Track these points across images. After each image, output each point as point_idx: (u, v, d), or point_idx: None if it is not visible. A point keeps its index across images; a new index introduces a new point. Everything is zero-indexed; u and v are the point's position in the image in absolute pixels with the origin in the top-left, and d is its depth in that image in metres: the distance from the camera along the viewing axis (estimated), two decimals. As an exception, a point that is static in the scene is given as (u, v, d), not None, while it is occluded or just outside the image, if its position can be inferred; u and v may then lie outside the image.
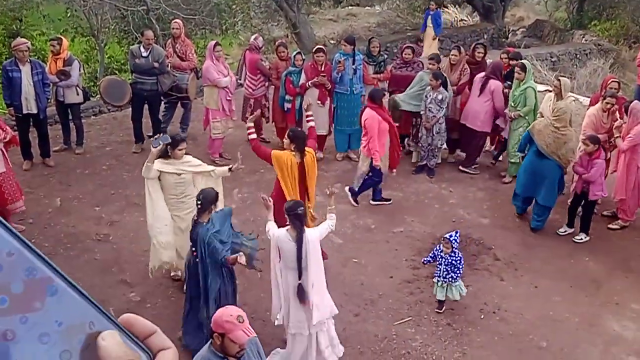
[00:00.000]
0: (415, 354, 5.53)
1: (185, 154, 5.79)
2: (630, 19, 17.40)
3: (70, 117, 8.89)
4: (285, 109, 8.81)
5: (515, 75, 8.09)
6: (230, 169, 6.02)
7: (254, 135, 6.41)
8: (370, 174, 7.61)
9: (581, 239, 7.28)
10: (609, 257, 7.06)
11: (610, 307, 6.26)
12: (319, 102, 8.70)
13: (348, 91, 8.69)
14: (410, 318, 5.95)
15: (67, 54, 8.57)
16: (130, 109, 9.14)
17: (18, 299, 0.59)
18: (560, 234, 7.37)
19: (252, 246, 5.27)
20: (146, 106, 8.96)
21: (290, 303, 4.98)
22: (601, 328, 5.97)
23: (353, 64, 8.60)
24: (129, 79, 9.29)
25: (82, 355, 0.61)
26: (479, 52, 8.82)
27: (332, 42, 16.42)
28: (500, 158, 9.17)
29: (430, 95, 8.20)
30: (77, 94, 8.64)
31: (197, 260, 5.09)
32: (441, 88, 8.16)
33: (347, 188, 7.85)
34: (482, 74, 8.44)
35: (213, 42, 8.81)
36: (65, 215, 7.48)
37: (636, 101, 7.47)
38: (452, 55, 8.73)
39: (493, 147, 9.34)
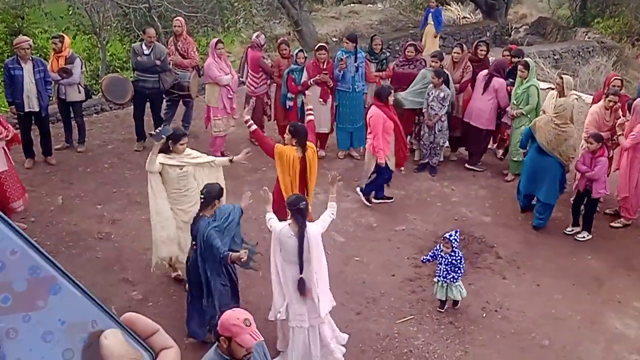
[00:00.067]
0: (417, 353, 5.53)
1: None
2: (634, 17, 17.34)
3: (72, 115, 8.90)
4: (287, 107, 8.80)
5: (519, 73, 8.08)
6: (230, 160, 6.04)
7: (255, 126, 6.40)
8: (378, 171, 7.60)
9: (583, 237, 7.27)
10: (611, 255, 7.05)
11: (613, 305, 6.26)
12: (321, 100, 8.69)
13: (350, 89, 8.68)
14: (412, 316, 5.95)
15: (69, 52, 8.57)
16: (132, 107, 9.14)
17: (21, 298, 0.59)
18: (568, 233, 7.36)
19: (251, 248, 5.28)
20: (148, 104, 8.96)
21: (291, 296, 4.99)
22: (603, 326, 5.97)
23: (355, 61, 8.60)
24: (131, 77, 9.29)
25: (84, 354, 0.61)
26: (481, 50, 8.81)
27: (334, 39, 16.40)
28: (500, 155, 9.16)
29: (432, 93, 8.20)
30: (79, 92, 8.65)
31: (198, 254, 5.11)
32: (443, 86, 8.15)
33: (357, 189, 7.81)
34: (485, 71, 8.43)
35: (215, 40, 8.80)
36: (67, 214, 7.49)
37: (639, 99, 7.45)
38: (454, 52, 8.72)
39: (495, 145, 9.32)
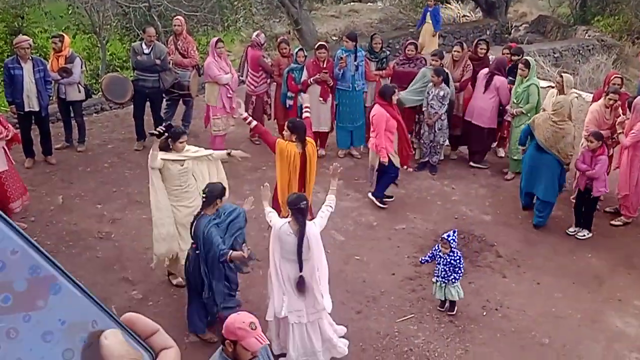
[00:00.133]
0: (417, 351, 5.54)
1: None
2: (634, 15, 17.33)
3: (72, 114, 8.89)
4: (287, 106, 8.80)
5: (519, 71, 8.07)
6: (228, 153, 6.05)
7: (255, 122, 6.39)
8: (384, 171, 7.60)
9: (583, 235, 7.28)
10: (612, 253, 7.05)
11: (613, 304, 6.26)
12: (321, 98, 8.69)
13: (350, 88, 8.67)
14: (412, 315, 5.96)
15: (69, 51, 8.56)
16: (132, 106, 9.14)
17: (21, 297, 0.59)
18: (570, 233, 7.35)
19: (251, 253, 5.28)
20: (148, 103, 8.96)
21: (289, 293, 4.99)
22: (604, 324, 5.97)
23: (355, 60, 8.59)
24: (131, 76, 9.28)
25: (84, 354, 0.61)
26: (481, 48, 8.81)
27: (334, 38, 16.39)
28: (503, 154, 9.16)
29: (432, 92, 8.19)
30: (79, 92, 8.64)
31: (197, 252, 5.11)
32: (443, 84, 8.15)
33: (369, 194, 7.79)
34: (486, 70, 8.42)
35: (215, 39, 8.80)
36: (67, 213, 7.49)
37: None
38: (454, 51, 8.71)
39: (496, 144, 9.32)
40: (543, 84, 9.02)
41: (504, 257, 6.93)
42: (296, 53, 8.74)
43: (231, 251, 4.89)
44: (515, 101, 8.15)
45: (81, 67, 8.73)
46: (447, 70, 8.34)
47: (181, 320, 5.70)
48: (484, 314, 6.03)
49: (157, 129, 5.66)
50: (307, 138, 6.04)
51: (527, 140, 7.49)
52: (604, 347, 5.69)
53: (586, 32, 16.80)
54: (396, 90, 7.50)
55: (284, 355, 5.23)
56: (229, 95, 8.61)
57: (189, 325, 5.52)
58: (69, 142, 9.10)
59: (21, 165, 8.14)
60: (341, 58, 8.50)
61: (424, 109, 8.35)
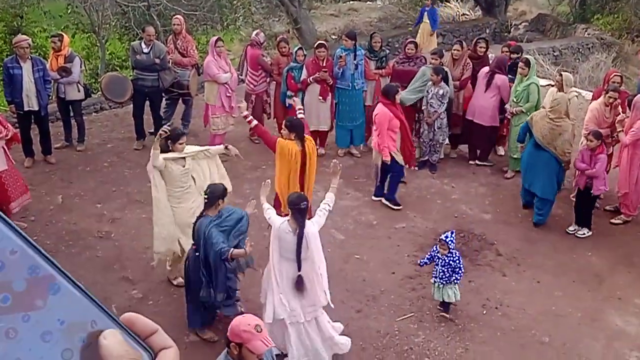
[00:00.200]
0: (417, 350, 5.54)
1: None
2: (633, 13, 17.33)
3: (72, 114, 8.89)
4: (287, 105, 8.79)
5: (519, 70, 8.07)
6: (226, 147, 6.06)
7: (256, 121, 6.39)
8: (391, 171, 7.60)
9: (583, 233, 7.27)
10: (612, 252, 7.06)
11: (613, 302, 6.26)
12: (321, 97, 8.69)
13: (350, 87, 8.67)
14: (412, 314, 5.96)
15: (68, 51, 8.56)
16: (132, 105, 9.14)
17: (20, 297, 0.59)
18: (570, 232, 7.35)
19: (251, 257, 5.28)
20: (147, 103, 8.96)
21: (286, 293, 5.00)
22: (604, 323, 5.97)
23: (354, 59, 8.59)
24: (130, 76, 9.28)
25: (83, 354, 0.61)
26: (480, 47, 8.80)
27: (333, 37, 16.39)
28: (503, 153, 9.16)
29: (431, 91, 8.19)
30: (78, 91, 8.64)
31: (197, 254, 5.11)
32: (442, 83, 8.15)
33: (383, 200, 7.77)
34: (487, 69, 8.42)
35: (215, 38, 8.80)
36: (67, 213, 7.49)
37: None
38: (454, 50, 8.71)
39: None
40: (543, 82, 9.03)
41: (504, 256, 6.93)
42: (295, 52, 8.74)
43: (232, 249, 4.89)
44: (515, 100, 8.15)
45: (80, 67, 8.73)
46: (446, 69, 8.33)
47: (181, 319, 5.70)
48: (484, 312, 6.04)
49: (163, 129, 5.63)
50: (305, 136, 6.06)
51: (525, 138, 7.50)
52: (604, 345, 5.69)
53: (586, 31, 16.80)
54: (399, 90, 7.49)
55: (281, 355, 5.22)
56: (228, 94, 8.61)
57: (188, 324, 5.53)
58: (68, 141, 9.10)
59: (21, 165, 8.13)
60: (340, 57, 8.50)
61: (423, 107, 8.35)
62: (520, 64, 8.09)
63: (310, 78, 8.56)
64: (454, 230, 6.02)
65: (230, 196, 5.65)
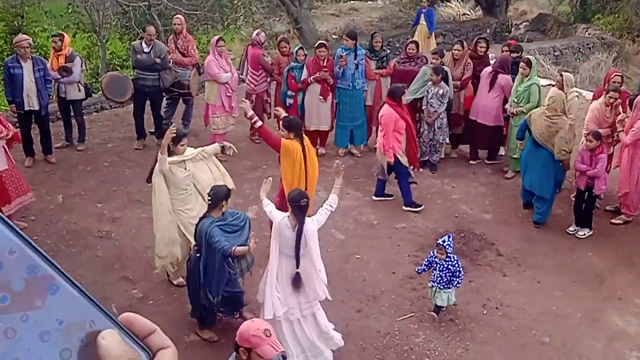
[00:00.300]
0: (417, 350, 5.54)
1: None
2: (634, 13, 17.31)
3: (72, 113, 8.90)
4: (287, 105, 8.79)
5: (520, 70, 8.06)
6: (222, 147, 6.08)
7: (260, 122, 6.38)
8: (398, 174, 7.59)
9: (584, 234, 7.27)
10: (612, 252, 7.05)
11: (613, 302, 6.26)
12: (321, 97, 8.69)
13: (350, 86, 8.67)
14: (412, 314, 5.95)
15: (69, 50, 8.57)
16: (132, 105, 9.14)
17: (19, 297, 0.59)
18: (570, 232, 7.34)
19: (252, 259, 5.27)
20: (148, 102, 8.96)
21: (284, 289, 5.01)
22: (604, 323, 5.96)
23: (355, 59, 8.59)
24: (131, 75, 9.28)
25: (81, 354, 0.61)
26: (481, 47, 8.80)
27: (334, 37, 16.39)
28: (503, 153, 9.16)
29: (431, 90, 8.19)
30: (79, 91, 8.64)
31: (198, 255, 5.10)
32: (442, 83, 8.15)
33: (403, 207, 7.73)
34: (490, 69, 8.43)
35: (216, 37, 8.81)
36: (67, 212, 7.50)
37: (641, 95, 7.45)
38: (455, 50, 8.70)
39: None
40: (543, 82, 9.01)
41: (504, 256, 6.93)
42: (296, 52, 8.75)
43: (235, 247, 4.88)
44: (515, 100, 8.14)
45: (81, 66, 8.74)
46: (446, 69, 8.33)
47: (181, 319, 5.71)
48: (484, 312, 6.03)
49: (172, 131, 5.61)
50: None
51: (524, 135, 7.51)
52: (604, 345, 5.68)
53: (586, 30, 16.78)
54: (405, 91, 7.49)
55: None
56: (228, 94, 8.61)
57: (191, 314, 5.51)
58: (69, 141, 9.11)
59: (21, 165, 8.14)
60: (341, 56, 8.50)
61: (423, 107, 8.34)
62: (522, 64, 8.08)
63: (311, 78, 8.56)
64: (451, 234, 6.01)
65: (231, 196, 5.65)
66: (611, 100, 7.34)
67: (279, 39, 9.66)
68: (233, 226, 5.06)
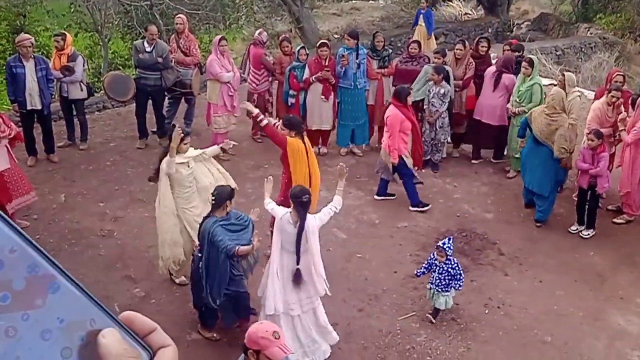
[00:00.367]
0: (419, 349, 5.54)
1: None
2: (636, 12, 17.29)
3: (74, 112, 8.91)
4: (289, 104, 8.80)
5: (522, 70, 8.05)
6: (222, 149, 6.10)
7: (267, 120, 6.38)
8: (402, 175, 7.58)
9: (588, 234, 7.25)
10: (614, 251, 7.04)
11: (615, 302, 6.25)
12: (323, 97, 8.69)
13: (352, 86, 8.67)
14: (414, 313, 5.95)
15: (71, 50, 8.58)
16: (134, 104, 9.15)
17: (20, 296, 0.60)
18: (572, 232, 7.33)
19: (256, 257, 5.27)
20: (150, 102, 8.97)
21: (284, 285, 5.02)
22: (606, 322, 5.96)
23: (357, 58, 8.58)
24: (133, 75, 9.30)
25: (82, 353, 0.61)
26: (482, 46, 8.80)
27: (335, 36, 16.38)
28: (505, 152, 9.15)
29: (432, 90, 8.19)
30: (81, 90, 8.65)
31: (200, 255, 5.11)
32: (443, 82, 8.14)
33: (410, 208, 7.71)
34: (493, 68, 8.42)
35: (218, 37, 8.81)
36: (70, 211, 7.51)
37: (643, 94, 7.43)
38: (457, 49, 8.69)
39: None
40: (545, 82, 9.01)
41: (506, 255, 6.92)
42: (298, 51, 8.75)
43: (238, 246, 4.88)
44: (517, 100, 8.12)
45: (83, 66, 8.75)
46: (447, 68, 8.32)
47: (183, 318, 5.72)
48: (486, 312, 6.03)
49: (179, 132, 5.60)
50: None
51: (525, 133, 7.51)
52: (605, 345, 5.68)
53: (588, 30, 16.76)
54: (411, 92, 7.48)
55: None
56: (230, 94, 8.61)
57: (193, 302, 5.53)
58: (71, 140, 9.12)
59: (23, 164, 8.14)
60: (343, 56, 8.50)
61: (425, 107, 8.34)
62: (524, 63, 8.07)
63: (313, 77, 8.56)
64: (452, 236, 6.00)
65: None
66: (613, 100, 7.33)
67: (280, 38, 9.67)
68: (237, 225, 5.06)
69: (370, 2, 20.93)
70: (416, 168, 7.74)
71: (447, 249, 5.52)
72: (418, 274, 5.89)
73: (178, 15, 9.53)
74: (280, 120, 6.28)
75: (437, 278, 5.61)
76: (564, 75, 7.98)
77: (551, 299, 6.24)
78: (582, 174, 7.11)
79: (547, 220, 7.51)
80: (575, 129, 7.40)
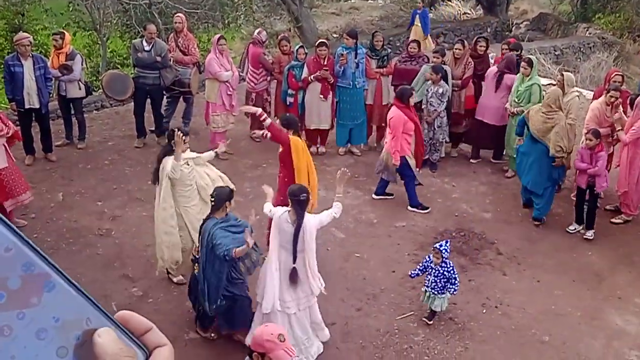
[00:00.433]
0: (417, 349, 5.54)
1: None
2: (635, 12, 17.31)
3: (73, 111, 8.90)
4: (288, 103, 8.80)
5: (521, 70, 8.05)
6: (216, 153, 6.11)
7: (270, 120, 6.37)
8: (404, 176, 7.59)
9: (591, 235, 7.20)
10: (612, 251, 7.05)
11: (613, 302, 6.26)
12: (322, 96, 8.69)
13: (350, 85, 8.67)
14: (412, 313, 5.95)
15: (70, 49, 8.57)
16: (133, 103, 9.14)
17: (15, 295, 0.59)
18: (570, 231, 7.34)
19: (256, 258, 5.26)
20: (148, 100, 8.96)
21: (281, 283, 5.02)
22: (603, 322, 5.96)
23: (355, 57, 8.58)
24: (132, 73, 9.28)
25: (78, 352, 0.61)
26: (480, 46, 8.80)
27: (334, 35, 16.38)
28: (504, 152, 9.16)
29: (431, 89, 8.18)
30: (80, 89, 8.64)
31: (197, 257, 5.11)
32: (442, 81, 8.14)
33: (409, 208, 7.72)
34: (495, 69, 8.42)
35: (217, 36, 8.81)
36: (68, 210, 7.50)
37: (642, 94, 7.44)
38: (456, 49, 8.69)
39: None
40: (544, 81, 9.01)
41: (504, 255, 6.93)
42: (297, 50, 8.75)
43: (235, 249, 4.85)
44: (516, 100, 8.12)
45: (81, 65, 8.74)
46: (445, 68, 8.32)
47: (181, 317, 5.72)
48: (484, 311, 6.03)
49: (180, 135, 5.59)
50: None
51: (523, 131, 7.52)
52: (603, 345, 5.68)
53: (587, 30, 16.77)
54: (413, 93, 7.48)
55: None
56: (229, 93, 8.61)
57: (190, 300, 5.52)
58: (69, 139, 9.11)
59: (21, 163, 8.14)
60: (342, 55, 8.49)
61: (423, 106, 8.33)
62: (523, 63, 8.07)
63: (311, 76, 8.56)
64: (449, 239, 6.00)
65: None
66: (612, 100, 7.34)
67: (279, 37, 9.66)
68: (237, 227, 5.06)
69: (369, 1, 20.94)
70: (418, 169, 7.74)
71: (443, 251, 5.49)
72: (412, 275, 5.87)
73: (177, 14, 9.52)
74: (278, 120, 6.29)
75: (433, 281, 5.60)
76: (563, 75, 7.99)
77: (549, 299, 6.24)
78: (580, 173, 7.12)
79: (546, 220, 7.52)
80: (574, 128, 7.41)
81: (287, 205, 5.13)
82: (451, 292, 5.65)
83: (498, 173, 8.75)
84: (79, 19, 13.60)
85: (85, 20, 13.61)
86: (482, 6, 18.43)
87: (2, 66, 8.24)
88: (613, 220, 7.60)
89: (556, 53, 15.01)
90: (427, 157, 8.65)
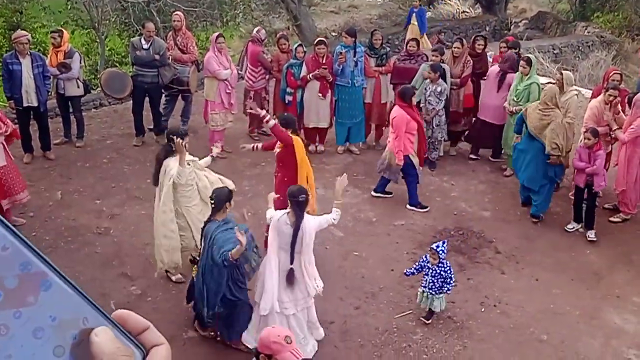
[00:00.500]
0: (415, 347, 5.54)
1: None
2: (634, 11, 17.31)
3: (71, 109, 8.88)
4: (287, 102, 8.79)
5: (520, 69, 8.05)
6: (212, 157, 6.13)
7: (273, 121, 6.36)
8: (407, 175, 7.59)
9: (594, 236, 7.18)
10: (611, 250, 7.06)
11: (611, 300, 6.26)
12: (320, 94, 8.68)
13: (349, 84, 8.66)
14: (411, 311, 5.96)
15: (68, 47, 8.55)
16: (131, 101, 9.13)
17: (12, 294, 0.59)
18: (569, 230, 7.34)
19: (256, 264, 5.26)
20: (147, 99, 8.95)
21: (279, 284, 5.02)
22: (602, 321, 5.97)
23: (354, 56, 8.58)
24: (130, 72, 9.27)
25: (74, 351, 0.61)
26: (479, 44, 8.81)
27: (333, 34, 16.37)
28: (502, 151, 9.16)
29: (429, 88, 8.18)
30: (78, 87, 8.63)
31: (198, 259, 5.11)
32: (440, 80, 8.14)
33: (408, 206, 7.72)
34: (497, 68, 8.42)
35: (216, 34, 8.80)
36: (66, 209, 7.49)
37: (640, 93, 7.44)
38: (454, 47, 8.69)
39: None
40: (542, 80, 9.01)
41: (502, 254, 6.93)
42: (295, 49, 8.74)
43: (231, 252, 4.75)
44: (515, 99, 8.12)
45: (80, 63, 8.73)
46: (444, 66, 8.31)
47: (180, 315, 5.71)
48: (482, 310, 6.04)
49: (178, 140, 5.58)
50: None
51: (522, 129, 7.53)
52: (602, 343, 5.69)
53: (586, 29, 16.78)
54: (415, 92, 7.47)
55: None
56: (227, 91, 8.60)
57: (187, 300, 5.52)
58: (67, 137, 9.10)
59: (20, 161, 8.13)
60: (340, 54, 8.49)
61: (421, 105, 8.33)
62: (522, 62, 8.06)
63: (310, 75, 8.55)
64: (447, 240, 6.00)
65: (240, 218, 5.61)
66: (610, 99, 7.34)
67: (278, 36, 9.65)
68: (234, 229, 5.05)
69: (368, 0, 20.92)
70: (420, 168, 7.74)
71: (440, 251, 5.48)
72: (407, 273, 5.85)
73: (175, 13, 9.51)
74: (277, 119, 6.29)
75: (430, 281, 5.60)
76: (562, 74, 7.99)
77: (548, 298, 6.25)
78: (579, 172, 7.12)
79: (544, 218, 7.52)
80: (572, 127, 7.41)
81: (286, 206, 5.12)
82: (445, 291, 5.65)
83: (497, 172, 8.75)
84: (77, 17, 13.58)
85: (84, 18, 13.59)
86: (480, 5, 18.43)
87: (1, 64, 8.21)
88: (611, 219, 7.60)
89: (555, 52, 15.02)
90: (425, 155, 8.65)
